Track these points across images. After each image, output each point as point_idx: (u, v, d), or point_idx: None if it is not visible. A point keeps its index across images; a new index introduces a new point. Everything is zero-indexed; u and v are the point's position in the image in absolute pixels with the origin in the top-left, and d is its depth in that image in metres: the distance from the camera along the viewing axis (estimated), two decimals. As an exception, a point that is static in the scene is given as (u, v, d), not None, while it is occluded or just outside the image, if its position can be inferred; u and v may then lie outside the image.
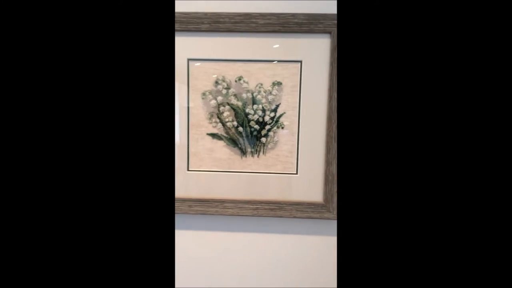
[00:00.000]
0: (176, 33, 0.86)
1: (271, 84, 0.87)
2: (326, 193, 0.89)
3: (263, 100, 0.87)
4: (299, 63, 0.86)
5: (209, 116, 0.88)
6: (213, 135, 0.89)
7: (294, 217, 0.90)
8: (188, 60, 0.87)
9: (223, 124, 0.89)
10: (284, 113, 0.88)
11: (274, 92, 0.87)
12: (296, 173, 0.90)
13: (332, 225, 0.93)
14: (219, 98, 0.88)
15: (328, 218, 0.90)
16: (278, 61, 0.86)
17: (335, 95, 0.86)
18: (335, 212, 0.90)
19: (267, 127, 0.89)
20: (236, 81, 0.87)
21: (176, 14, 0.85)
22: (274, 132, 0.89)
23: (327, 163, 0.88)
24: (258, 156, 0.90)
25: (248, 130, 0.89)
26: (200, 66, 0.87)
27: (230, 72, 0.87)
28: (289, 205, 0.90)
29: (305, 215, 0.90)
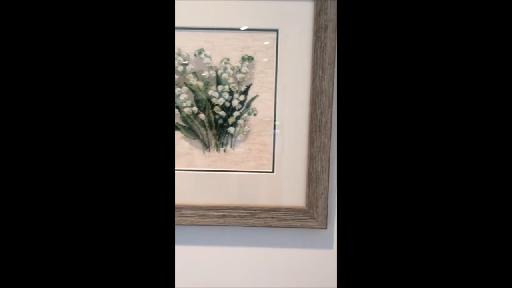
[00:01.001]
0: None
1: (240, 59, 0.69)
2: (309, 195, 0.72)
3: (230, 80, 0.69)
4: (275, 33, 0.69)
5: (160, 99, 0.69)
6: (166, 124, 0.70)
7: (270, 226, 0.72)
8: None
9: (180, 110, 0.70)
10: (257, 96, 0.70)
11: (244, 69, 0.69)
12: (272, 171, 0.72)
13: (318, 236, 0.75)
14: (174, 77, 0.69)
15: (312, 227, 0.72)
16: (249, 29, 0.68)
17: (320, 73, 0.68)
18: (321, 219, 0.72)
19: (236, 113, 0.71)
20: (195, 55, 0.69)
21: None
22: (244, 120, 0.71)
23: (310, 158, 0.71)
24: (224, 151, 0.72)
25: (212, 117, 0.70)
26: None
27: (188, 43, 0.69)
28: (263, 212, 0.72)
29: (284, 224, 0.72)
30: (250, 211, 0.72)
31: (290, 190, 0.73)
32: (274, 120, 0.71)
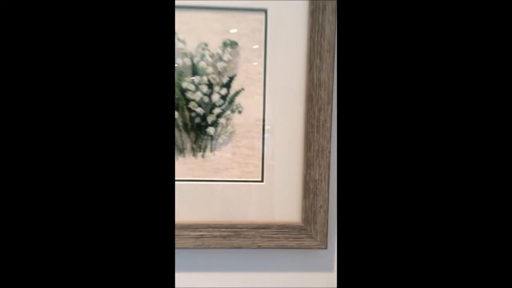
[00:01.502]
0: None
1: (220, 44, 0.57)
2: (306, 209, 0.60)
3: (209, 70, 0.57)
4: (263, 14, 0.57)
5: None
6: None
7: (259, 247, 0.60)
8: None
9: (147, 107, 0.57)
10: (242, 89, 0.58)
11: (226, 57, 0.57)
12: (261, 181, 0.60)
13: (317, 257, 0.63)
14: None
15: (310, 247, 0.60)
16: (232, 9, 0.56)
17: (317, 61, 0.57)
18: (320, 237, 0.60)
19: (216, 111, 0.58)
20: (166, 39, 0.56)
21: None
22: (227, 119, 0.58)
23: (307, 164, 0.59)
24: (203, 156, 0.59)
25: (187, 115, 0.58)
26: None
27: (157, 25, 0.56)
28: (250, 230, 0.60)
29: (276, 244, 0.60)
30: (234, 230, 0.60)
31: (283, 203, 0.61)
32: (263, 119, 0.59)
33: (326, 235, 0.60)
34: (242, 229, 0.60)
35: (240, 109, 0.59)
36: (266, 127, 0.59)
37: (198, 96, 0.57)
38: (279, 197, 0.61)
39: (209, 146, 0.59)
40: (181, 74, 0.57)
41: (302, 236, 0.60)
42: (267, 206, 0.61)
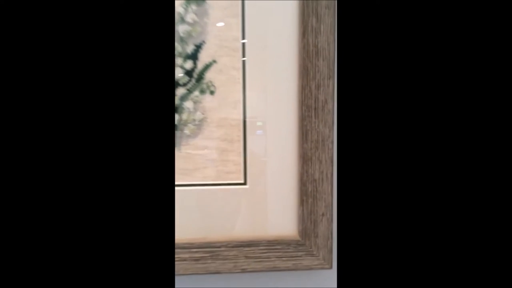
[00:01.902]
0: None
1: (182, 1, 0.42)
2: (304, 219, 0.45)
3: (169, 36, 0.42)
4: (240, -41, 0.43)
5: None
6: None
7: (243, 271, 0.45)
8: None
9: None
10: (214, 62, 0.44)
11: (189, 17, 0.42)
12: (244, 183, 0.46)
13: (319, 279, 0.49)
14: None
15: (310, 268, 0.46)
16: (196, -48, 0.42)
17: (313, 22, 0.43)
18: (323, 254, 0.46)
19: (180, 91, 0.43)
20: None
21: None
22: (195, 103, 0.44)
23: (303, 159, 0.45)
24: (165, 153, 0.44)
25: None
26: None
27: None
28: (232, 248, 0.45)
29: (265, 266, 0.45)
30: (210, 250, 0.45)
31: (274, 211, 0.46)
32: (244, 102, 0.44)
33: (330, 251, 0.46)
34: (221, 248, 0.45)
35: (212, 88, 0.44)
36: (258, 123, 0.45)
37: (154, 71, 0.42)
38: (268, 204, 0.46)
39: (172, 139, 0.44)
40: (129, 42, 0.42)
41: (300, 253, 0.46)
42: (252, 217, 0.46)
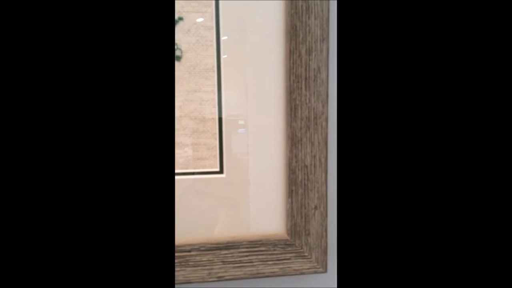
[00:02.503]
0: None
1: None
2: (293, 213, 0.38)
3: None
4: None
5: None
6: None
7: (220, 279, 0.37)
8: None
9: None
10: (180, 19, 0.35)
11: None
12: (221, 172, 0.37)
13: (311, 285, 0.41)
14: None
15: (301, 272, 0.38)
16: None
17: (303, -29, 0.35)
18: (316, 255, 0.38)
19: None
20: None
21: None
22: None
23: (292, 141, 0.37)
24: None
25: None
26: None
27: None
28: (205, 252, 0.37)
29: (247, 273, 0.37)
30: (178, 255, 0.36)
31: (257, 205, 0.38)
32: (218, 68, 0.36)
33: (325, 252, 0.38)
34: (191, 253, 0.36)
35: (177, 52, 0.35)
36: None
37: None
38: (249, 196, 0.38)
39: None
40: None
41: (289, 255, 0.38)
42: (230, 212, 0.38)
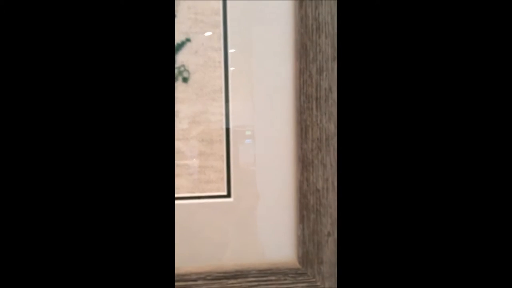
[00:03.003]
0: None
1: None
2: (305, 240, 0.36)
3: None
4: None
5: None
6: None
7: (228, 311, 0.35)
8: None
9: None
10: (188, 40, 0.34)
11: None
12: (228, 195, 0.36)
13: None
14: None
15: (314, 304, 0.36)
16: None
17: (312, -10, 0.34)
18: (329, 284, 0.36)
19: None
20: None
21: None
22: (163, 92, 0.34)
23: (303, 164, 0.35)
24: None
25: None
26: None
27: None
28: (211, 282, 0.35)
29: (256, 304, 0.35)
30: (183, 285, 0.34)
31: (266, 231, 0.36)
32: (226, 88, 0.35)
33: (339, 282, 0.36)
34: (197, 282, 0.35)
35: (185, 74, 0.34)
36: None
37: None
38: (258, 221, 0.36)
39: (132, 139, 0.34)
40: None
41: (300, 285, 0.36)
42: (238, 239, 0.36)
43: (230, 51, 0.34)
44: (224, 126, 0.35)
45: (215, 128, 0.35)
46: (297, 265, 0.36)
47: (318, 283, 0.36)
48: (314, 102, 0.34)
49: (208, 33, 0.34)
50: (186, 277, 0.34)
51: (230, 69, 0.34)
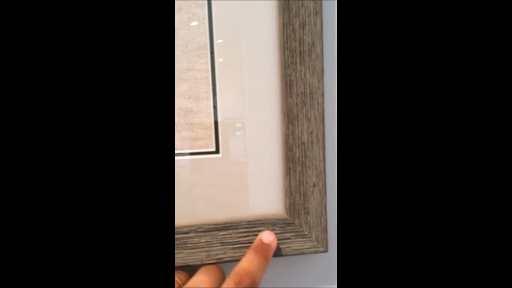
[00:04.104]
0: None
1: None
2: (291, 191, 0.37)
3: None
4: None
5: None
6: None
7: (219, 261, 0.36)
8: None
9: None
10: (171, -5, 0.34)
11: None
12: (216, 151, 0.37)
13: (312, 265, 0.40)
14: None
15: (301, 252, 0.37)
16: None
17: None
18: (316, 234, 0.38)
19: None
20: None
21: None
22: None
23: (288, 118, 0.36)
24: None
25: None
26: None
27: None
28: (203, 233, 0.36)
29: (245, 254, 0.37)
30: (176, 236, 0.35)
31: (254, 184, 0.37)
32: (211, 44, 0.35)
33: (325, 231, 0.37)
34: (189, 234, 0.36)
35: (169, 30, 0.34)
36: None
37: None
38: (246, 175, 0.37)
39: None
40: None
41: (288, 235, 0.37)
42: (227, 192, 0.37)
43: (214, 8, 0.34)
44: (210, 84, 0.36)
45: (202, 85, 0.35)
46: (285, 216, 0.37)
47: (305, 232, 0.37)
48: (298, 56, 0.35)
49: (191, -12, 0.34)
50: (178, 230, 0.35)
51: (214, 25, 0.35)
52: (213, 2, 0.35)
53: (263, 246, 0.34)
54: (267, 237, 0.35)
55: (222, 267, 0.36)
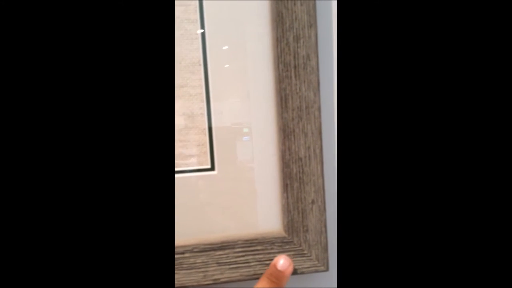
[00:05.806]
0: None
1: None
2: (289, 209, 0.36)
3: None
4: None
5: None
6: None
7: (215, 282, 0.35)
8: None
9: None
10: (163, 12, 0.34)
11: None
12: (212, 169, 0.36)
13: (312, 284, 0.39)
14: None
15: (301, 271, 0.36)
16: None
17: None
18: (316, 252, 0.36)
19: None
20: None
21: None
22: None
23: (284, 133, 0.35)
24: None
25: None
26: None
27: None
28: (197, 254, 0.35)
29: (242, 274, 0.35)
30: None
31: (250, 201, 0.36)
32: (205, 66, 0.35)
33: (325, 249, 0.36)
34: (185, 255, 0.35)
35: (162, 47, 0.34)
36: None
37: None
38: (242, 193, 0.36)
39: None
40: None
41: (288, 253, 0.36)
42: (223, 211, 0.36)
43: (206, 22, 0.34)
44: (205, 100, 0.35)
45: (197, 102, 0.35)
46: (283, 234, 0.36)
47: (305, 251, 0.36)
48: (293, 70, 0.35)
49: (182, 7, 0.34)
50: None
51: (207, 41, 0.34)
52: (205, 18, 0.34)
53: (277, 273, 0.33)
54: (282, 264, 0.33)
55: (219, 287, 0.35)
